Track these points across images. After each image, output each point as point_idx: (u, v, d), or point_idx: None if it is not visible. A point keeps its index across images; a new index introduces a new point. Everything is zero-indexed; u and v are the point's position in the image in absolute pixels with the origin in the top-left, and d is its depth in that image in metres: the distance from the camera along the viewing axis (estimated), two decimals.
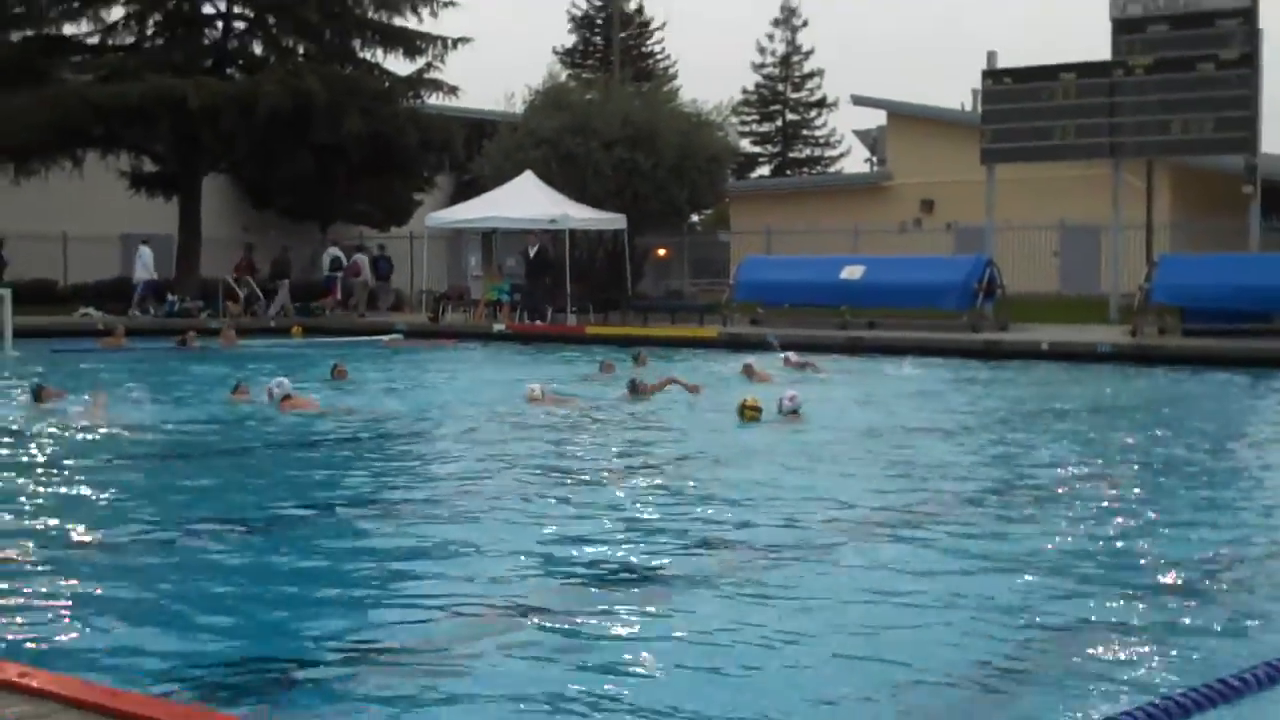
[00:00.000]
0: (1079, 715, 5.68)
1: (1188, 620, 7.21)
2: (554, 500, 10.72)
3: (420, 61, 40.63)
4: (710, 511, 10.26)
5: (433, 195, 44.39)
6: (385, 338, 31.61)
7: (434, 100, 41.17)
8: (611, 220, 36.18)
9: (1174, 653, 6.63)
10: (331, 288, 38.66)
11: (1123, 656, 6.55)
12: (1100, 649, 6.64)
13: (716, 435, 14.74)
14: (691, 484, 11.59)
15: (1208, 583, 8.09)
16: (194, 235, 38.78)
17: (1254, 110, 30.15)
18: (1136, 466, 13.08)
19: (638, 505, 10.55)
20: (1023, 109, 32.72)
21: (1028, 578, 8.10)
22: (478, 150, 42.36)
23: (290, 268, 38.83)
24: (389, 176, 40.95)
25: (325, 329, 34.34)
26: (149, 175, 39.97)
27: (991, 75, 33.57)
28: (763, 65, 70.88)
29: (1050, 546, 8.98)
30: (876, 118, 53.96)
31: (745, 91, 70.37)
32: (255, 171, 40.71)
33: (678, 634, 6.86)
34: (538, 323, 34.13)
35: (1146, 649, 6.71)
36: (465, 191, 43.10)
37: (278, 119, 35.62)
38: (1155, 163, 34.34)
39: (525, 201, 35.19)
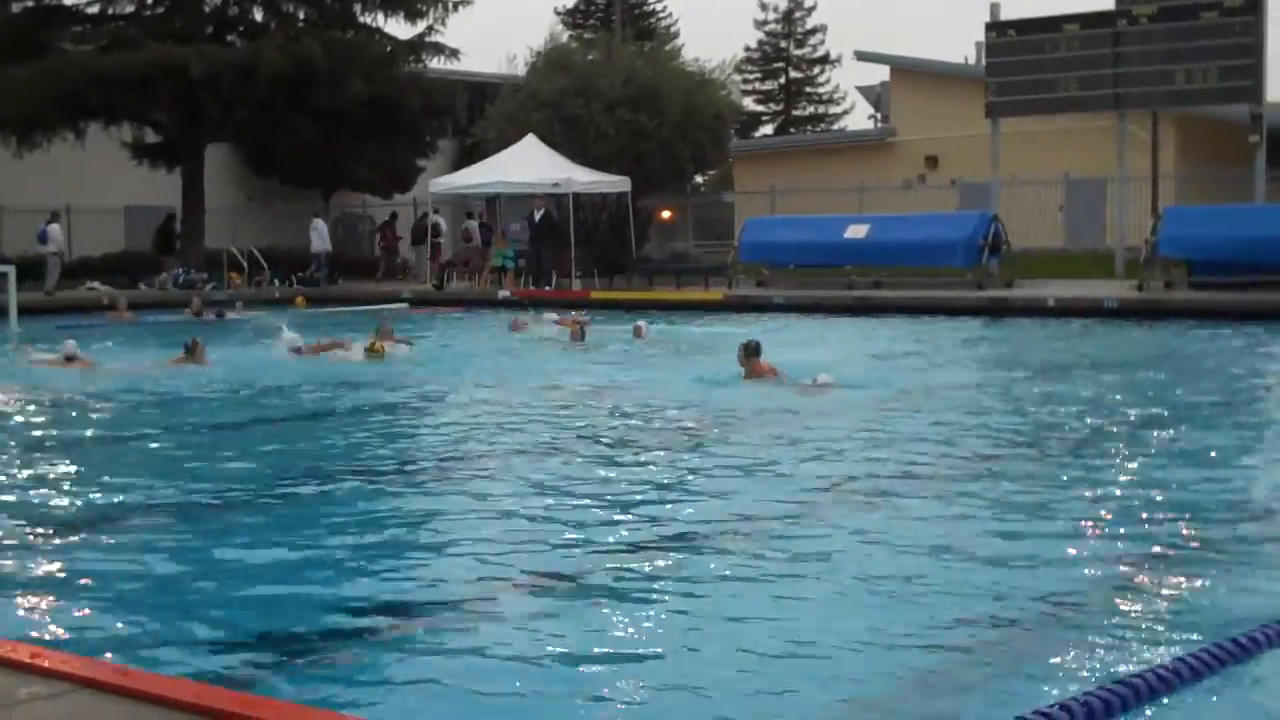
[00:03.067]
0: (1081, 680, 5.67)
1: (1200, 581, 7.20)
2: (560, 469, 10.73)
3: (421, 25, 40.54)
4: (716, 479, 10.24)
5: (435, 161, 44.26)
6: (392, 306, 31.59)
7: (435, 64, 41.04)
8: (615, 183, 36.10)
9: (1187, 613, 6.62)
10: (436, 254, 38.75)
11: (1146, 613, 6.55)
12: (1121, 607, 6.65)
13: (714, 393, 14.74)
14: (692, 450, 11.59)
15: (1225, 540, 8.06)
16: (198, 205, 38.74)
17: (1259, 58, 29.99)
18: (1145, 423, 13.03)
19: (648, 473, 10.55)
20: (1026, 61, 32.56)
21: (1056, 530, 8.14)
22: (480, 114, 42.27)
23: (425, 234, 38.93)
24: (391, 142, 40.82)
25: (330, 299, 34.33)
26: (151, 146, 39.88)
27: (995, 28, 33.41)
28: (765, 22, 70.61)
29: (1068, 505, 9.00)
30: (880, 73, 53.70)
31: (748, 49, 70.13)
32: (257, 139, 40.64)
33: (676, 605, 6.85)
34: (544, 288, 34.09)
35: (1164, 609, 6.70)
36: (468, 156, 42.99)
37: (279, 85, 35.53)
38: (1160, 113, 34.20)
39: (528, 165, 35.14)
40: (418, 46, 40.67)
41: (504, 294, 33.24)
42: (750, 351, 15.74)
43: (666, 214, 45.45)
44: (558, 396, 15.26)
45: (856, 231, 32.12)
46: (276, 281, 37.52)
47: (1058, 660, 5.90)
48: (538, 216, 35.14)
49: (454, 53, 40.76)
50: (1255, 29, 29.91)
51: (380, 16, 40.77)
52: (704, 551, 7.94)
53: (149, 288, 35.74)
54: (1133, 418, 13.28)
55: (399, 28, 41.22)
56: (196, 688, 4.73)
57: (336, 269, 39.39)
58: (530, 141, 36.10)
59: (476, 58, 49.65)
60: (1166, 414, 13.58)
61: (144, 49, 35.06)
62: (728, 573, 7.42)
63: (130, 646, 6.15)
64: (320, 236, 39.04)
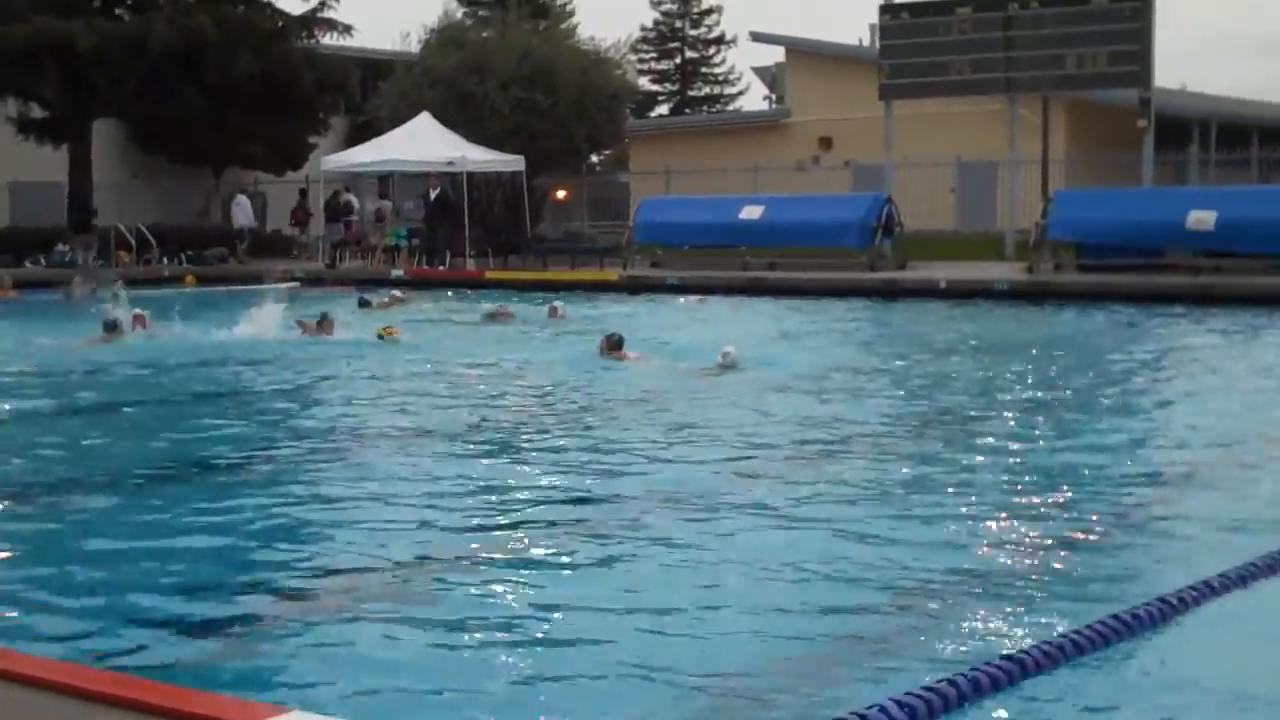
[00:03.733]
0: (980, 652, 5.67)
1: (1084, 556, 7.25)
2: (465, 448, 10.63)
3: (313, 0, 40.07)
4: (622, 457, 10.20)
5: (328, 138, 43.77)
6: (283, 285, 31.21)
7: (328, 40, 40.68)
8: (510, 162, 35.92)
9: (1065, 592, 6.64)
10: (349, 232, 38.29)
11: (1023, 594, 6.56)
12: (1004, 584, 6.66)
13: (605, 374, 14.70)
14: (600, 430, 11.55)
15: (1108, 517, 8.13)
16: (85, 181, 38.08)
17: (1146, 44, 30.34)
18: (1030, 403, 13.15)
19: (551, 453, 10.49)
20: (919, 44, 32.73)
21: (935, 512, 8.14)
22: (373, 91, 41.90)
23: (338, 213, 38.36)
24: (283, 119, 40.35)
25: (220, 278, 33.87)
26: (37, 121, 39.08)
27: (888, 10, 33.57)
28: (661, 2, 70.47)
29: (954, 484, 9.02)
30: (775, 54, 53.90)
31: (644, 29, 70.01)
32: (145, 115, 39.96)
33: (557, 586, 6.84)
34: (438, 267, 33.88)
35: (1042, 588, 6.72)
36: (361, 134, 42.58)
37: (168, 59, 34.98)
38: (1050, 98, 34.55)
39: (422, 143, 34.88)
40: (310, 22, 40.23)
41: (397, 273, 32.98)
42: (613, 344, 15.73)
43: (562, 193, 45.29)
44: (467, 377, 15.17)
45: (751, 212, 32.16)
46: (165, 259, 36.92)
47: (935, 640, 5.90)
48: (432, 195, 34.90)
49: (347, 29, 40.42)
50: (1143, 14, 30.25)
51: None
52: (592, 529, 7.93)
53: (34, 265, 35.06)
54: (1017, 398, 13.41)
55: (291, 2, 40.78)
56: (71, 669, 4.61)
57: (259, 245, 38.84)
58: (424, 119, 35.84)
59: (370, 34, 49.37)
60: (1050, 394, 13.70)
61: (29, 22, 34.34)
62: (614, 552, 7.44)
63: (7, 630, 6.01)
64: (244, 212, 38.49)
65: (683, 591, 6.66)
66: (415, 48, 41.82)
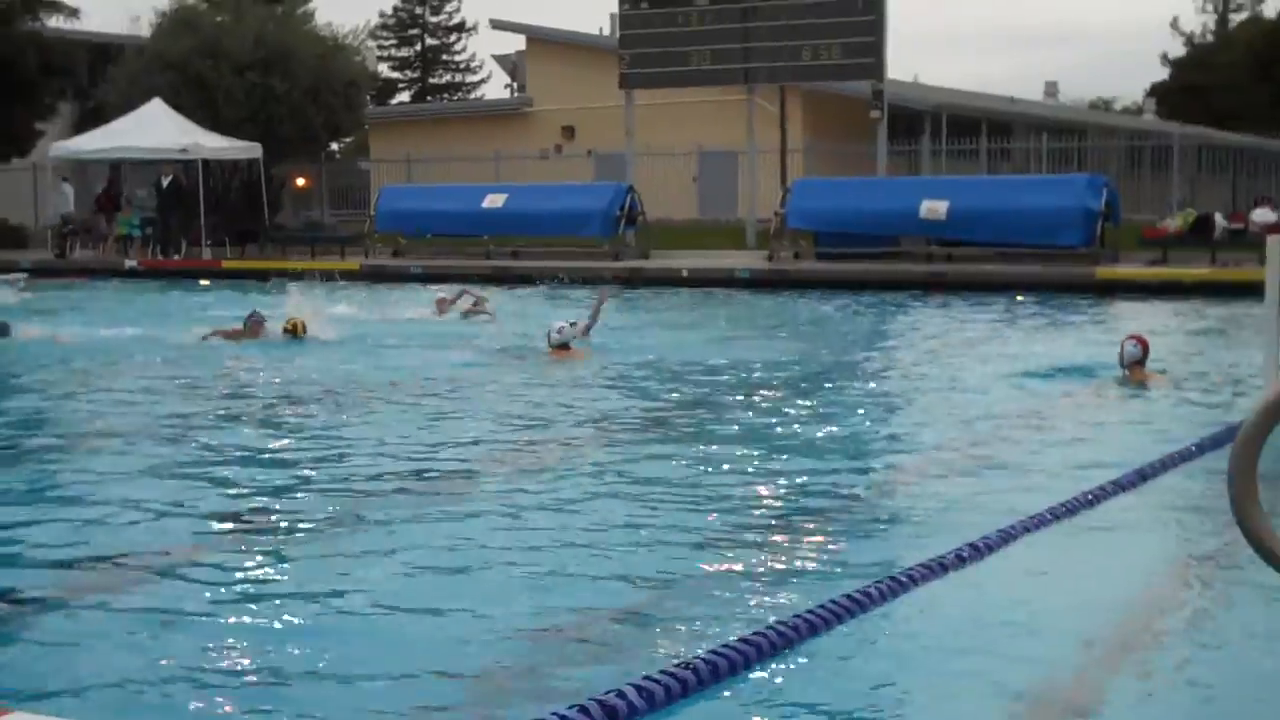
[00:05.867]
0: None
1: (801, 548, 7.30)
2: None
3: None
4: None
5: (55, 124, 42.15)
6: (9, 277, 29.96)
7: (54, 22, 39.23)
8: (246, 149, 35.11)
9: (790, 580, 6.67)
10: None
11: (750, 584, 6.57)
12: (727, 577, 6.65)
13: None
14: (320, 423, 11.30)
15: (840, 505, 8.22)
16: None
17: (880, 36, 31.01)
18: (764, 392, 13.23)
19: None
20: (659, 34, 32.95)
21: (655, 513, 8.10)
22: (102, 76, 40.53)
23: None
24: (7, 103, 38.75)
25: None
26: None
27: (628, 0, 33.71)
28: None
29: (695, 474, 9.01)
30: (516, 42, 53.78)
31: (383, 15, 69.36)
32: None
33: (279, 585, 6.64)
34: (173, 257, 32.99)
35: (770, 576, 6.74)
36: (90, 120, 41.11)
37: None
38: (788, 88, 35.13)
39: (154, 130, 33.84)
40: (34, 3, 38.78)
41: (131, 264, 32.01)
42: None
43: (301, 181, 44.40)
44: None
45: (494, 201, 32.02)
46: None
47: (674, 627, 5.88)
48: (165, 183, 33.93)
49: (73, 11, 39.19)
50: (877, 8, 30.91)
51: None
52: (316, 518, 7.77)
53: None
54: (751, 386, 13.47)
55: None
56: None
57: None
58: (156, 105, 34.77)
59: (97, 17, 47.82)
60: (782, 382, 13.78)
61: None
62: (378, 546, 7.33)
63: None
64: (66, 200, 37.05)
65: (398, 584, 6.61)
66: (146, 31, 40.58)
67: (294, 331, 16.58)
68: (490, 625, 5.98)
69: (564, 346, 15.01)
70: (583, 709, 4.43)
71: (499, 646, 5.72)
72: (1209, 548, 7.16)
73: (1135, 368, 12.64)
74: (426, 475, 9.26)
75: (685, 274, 27.04)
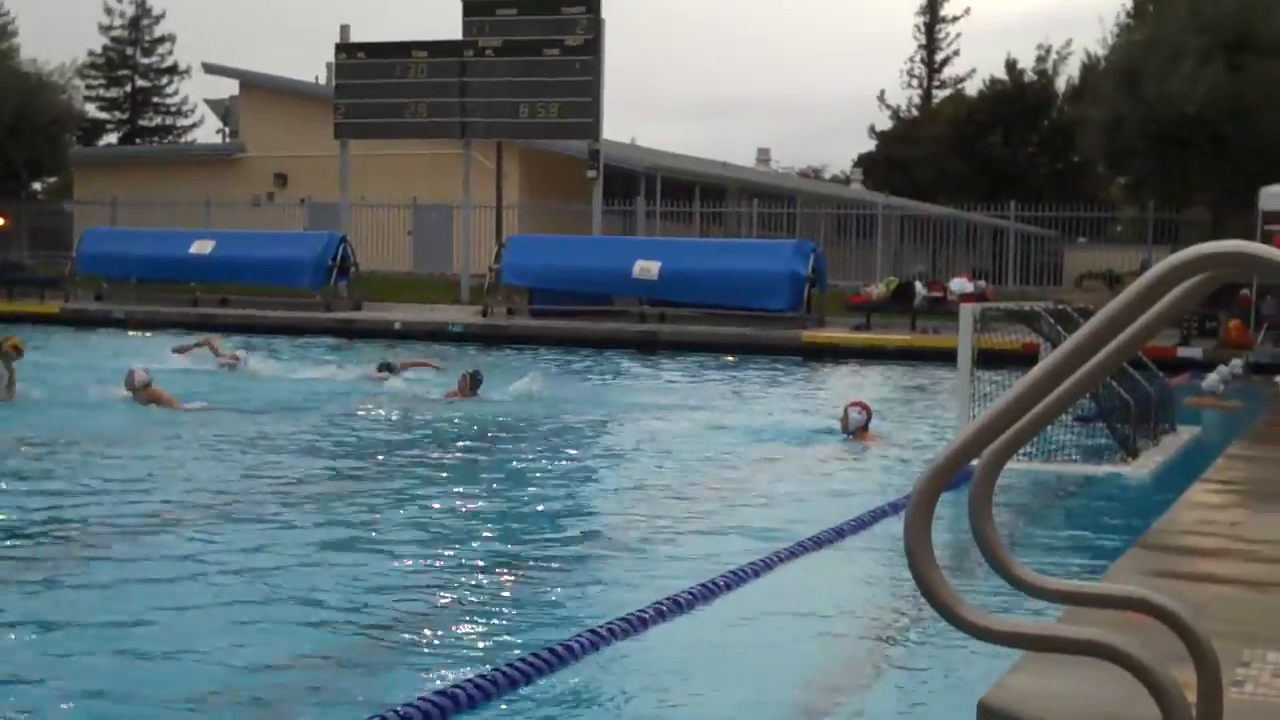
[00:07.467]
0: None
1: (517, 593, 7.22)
2: None
3: None
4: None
5: None
6: None
7: None
8: None
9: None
10: None
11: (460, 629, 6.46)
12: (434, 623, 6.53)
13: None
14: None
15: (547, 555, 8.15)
16: None
17: (596, 97, 31.34)
18: (467, 455, 13.14)
19: None
20: (377, 85, 32.74)
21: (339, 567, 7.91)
22: None
23: None
24: None
25: None
26: None
27: (344, 49, 33.40)
28: (110, 27, 67.61)
29: (400, 525, 8.85)
30: (230, 87, 52.76)
31: (92, 54, 67.18)
32: None
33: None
34: None
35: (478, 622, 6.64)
36: None
37: None
38: (505, 144, 35.20)
39: None
40: None
41: None
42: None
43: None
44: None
45: (202, 247, 31.27)
46: None
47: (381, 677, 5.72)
48: None
49: None
50: (594, 68, 31.24)
51: None
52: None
53: None
54: (455, 446, 13.34)
55: None
56: None
57: None
58: None
59: None
60: (490, 444, 13.69)
61: None
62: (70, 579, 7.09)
63: None
64: None
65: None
66: None
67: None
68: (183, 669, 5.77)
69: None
70: None
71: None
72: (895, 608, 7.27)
73: (860, 432, 13.15)
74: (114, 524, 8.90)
75: (398, 326, 26.79)
